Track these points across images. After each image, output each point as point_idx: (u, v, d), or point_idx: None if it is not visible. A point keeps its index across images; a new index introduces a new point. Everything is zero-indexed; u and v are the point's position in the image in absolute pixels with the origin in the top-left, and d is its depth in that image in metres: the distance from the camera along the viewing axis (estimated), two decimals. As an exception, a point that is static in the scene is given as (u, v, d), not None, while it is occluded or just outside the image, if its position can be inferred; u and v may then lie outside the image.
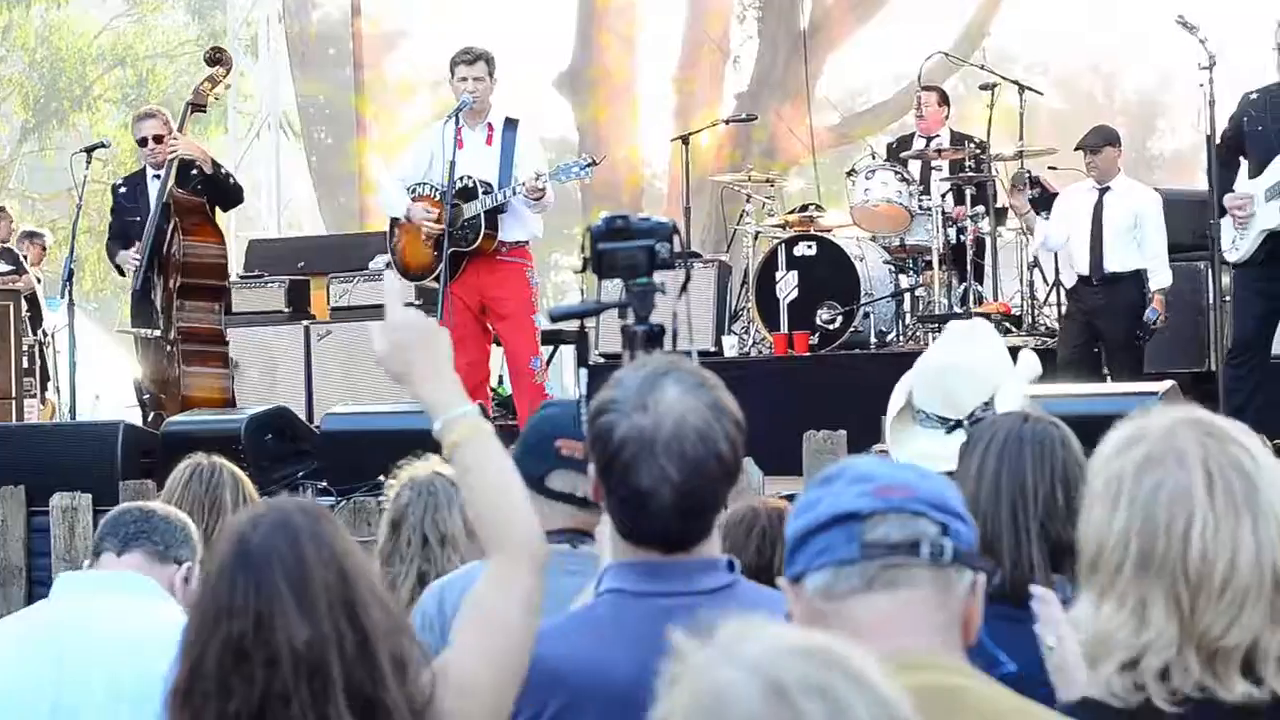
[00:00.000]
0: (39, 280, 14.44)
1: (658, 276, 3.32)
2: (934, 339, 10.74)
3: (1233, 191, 9.05)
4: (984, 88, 11.75)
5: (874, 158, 11.96)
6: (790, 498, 4.76)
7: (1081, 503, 2.50)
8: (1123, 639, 2.41)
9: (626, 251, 3.12)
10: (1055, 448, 3.37)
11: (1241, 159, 9.15)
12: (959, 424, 4.14)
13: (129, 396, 11.54)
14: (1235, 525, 2.39)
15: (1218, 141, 9.27)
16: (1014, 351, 4.47)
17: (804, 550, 2.29)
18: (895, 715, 1.66)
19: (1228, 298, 9.54)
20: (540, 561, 2.72)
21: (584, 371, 3.14)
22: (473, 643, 2.68)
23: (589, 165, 9.53)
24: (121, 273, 10.67)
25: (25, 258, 14.41)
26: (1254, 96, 9.16)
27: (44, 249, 15.56)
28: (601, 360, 11.13)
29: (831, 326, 11.36)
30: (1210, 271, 10.01)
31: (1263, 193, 9.06)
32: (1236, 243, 9.08)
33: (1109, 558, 2.43)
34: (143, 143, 10.31)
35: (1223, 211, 9.04)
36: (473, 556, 4.04)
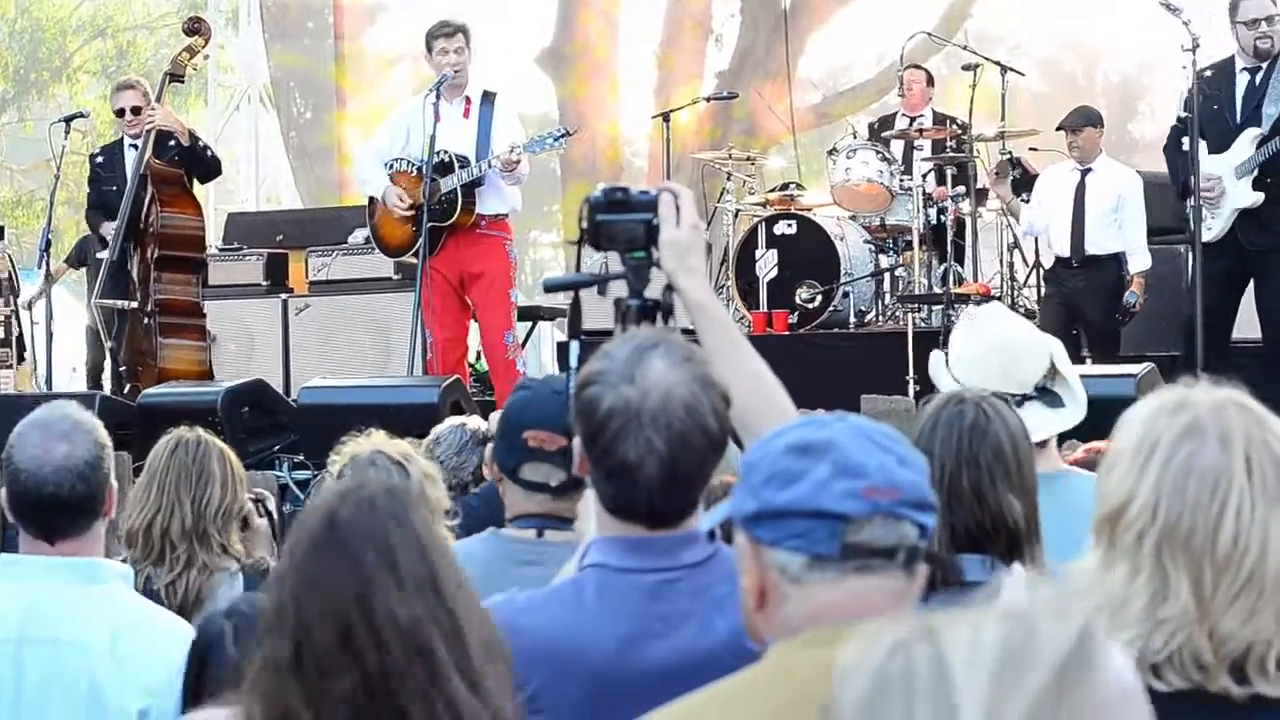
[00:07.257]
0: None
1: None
2: (914, 319, 10.79)
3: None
4: (966, 68, 11.73)
5: (855, 137, 11.95)
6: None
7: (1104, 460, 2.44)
8: (1139, 611, 2.35)
9: (625, 224, 3.07)
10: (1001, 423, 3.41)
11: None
12: (1025, 398, 4.14)
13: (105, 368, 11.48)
14: (1268, 516, 2.34)
15: (1174, 122, 9.29)
16: None
17: (776, 524, 2.25)
18: None
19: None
20: None
21: (575, 344, 3.10)
22: None
23: (563, 136, 9.52)
24: (105, 244, 10.63)
25: None
26: (1208, 74, 9.13)
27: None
28: (583, 337, 11.10)
29: (811, 305, 11.36)
30: (1190, 254, 10.00)
31: (1232, 171, 9.07)
32: (1209, 222, 9.11)
33: (1131, 519, 2.37)
34: (120, 114, 10.26)
35: (1187, 193, 9.08)
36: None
